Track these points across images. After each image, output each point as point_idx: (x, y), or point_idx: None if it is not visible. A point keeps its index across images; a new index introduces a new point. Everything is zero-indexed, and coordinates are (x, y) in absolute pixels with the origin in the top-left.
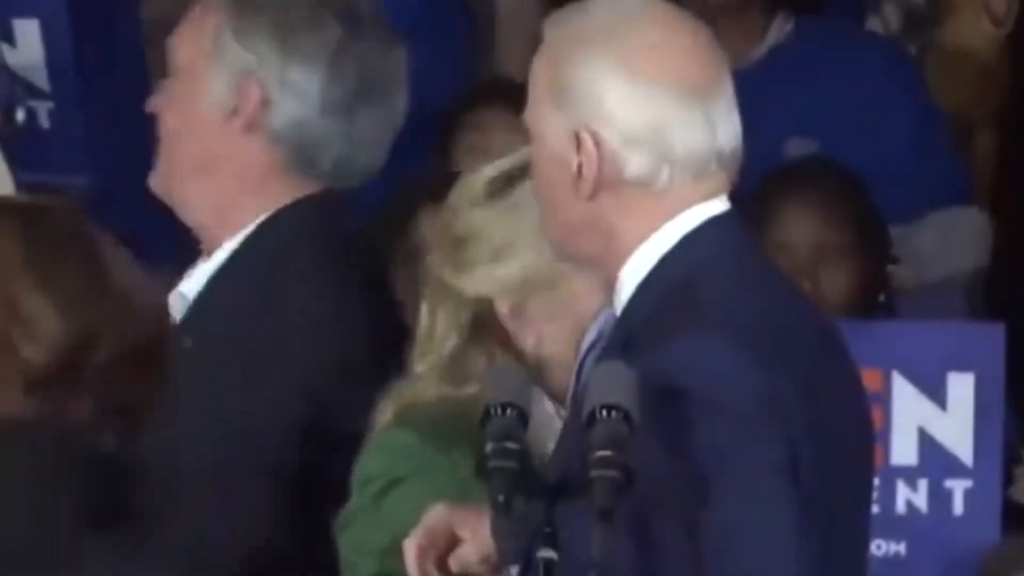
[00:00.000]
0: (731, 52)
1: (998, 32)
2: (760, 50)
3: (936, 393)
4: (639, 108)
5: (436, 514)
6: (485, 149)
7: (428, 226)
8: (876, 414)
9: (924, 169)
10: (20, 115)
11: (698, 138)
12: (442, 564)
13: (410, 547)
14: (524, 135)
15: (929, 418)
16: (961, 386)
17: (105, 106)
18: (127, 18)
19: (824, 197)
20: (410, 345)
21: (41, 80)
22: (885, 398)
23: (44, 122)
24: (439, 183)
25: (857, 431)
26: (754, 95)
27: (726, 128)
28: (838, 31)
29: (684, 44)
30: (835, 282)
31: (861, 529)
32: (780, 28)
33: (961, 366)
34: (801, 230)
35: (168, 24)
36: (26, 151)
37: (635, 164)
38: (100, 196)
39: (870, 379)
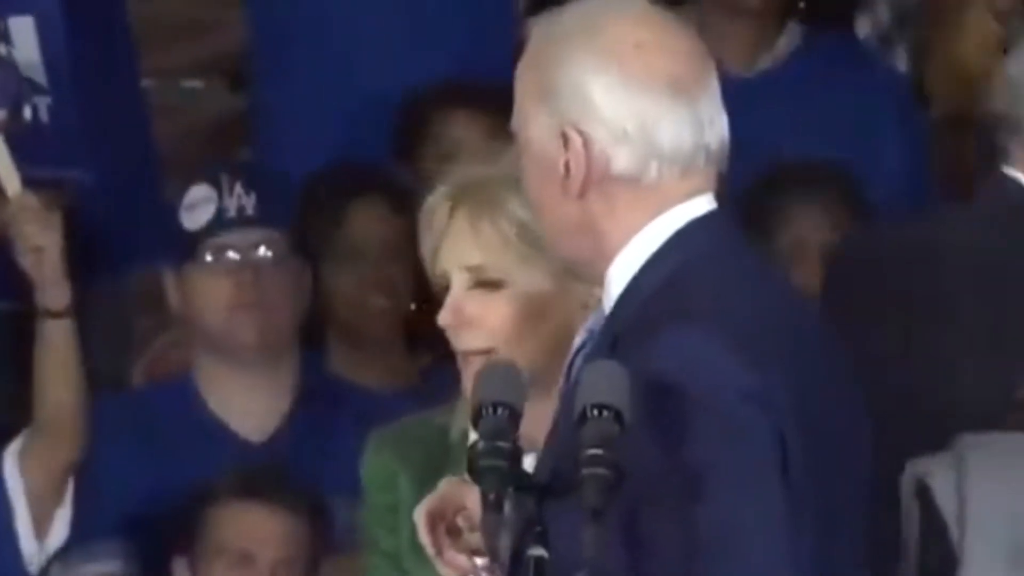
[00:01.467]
0: (740, 59)
1: (1004, 31)
2: (767, 59)
3: None
4: (626, 104)
5: (444, 486)
6: (452, 155)
7: (361, 219)
8: None
9: (913, 184)
10: (27, 113)
11: (685, 133)
12: (452, 532)
13: (420, 517)
14: (492, 138)
15: None
16: None
17: (100, 101)
18: (119, 15)
19: (823, 197)
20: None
21: (39, 76)
22: None
23: (44, 117)
24: (366, 176)
25: (854, 429)
26: (757, 101)
27: (712, 125)
28: (839, 46)
29: (669, 42)
30: None
31: (859, 528)
32: (790, 39)
33: None
34: (802, 230)
35: (160, 23)
36: (26, 146)
37: (623, 160)
38: (95, 190)
39: None
